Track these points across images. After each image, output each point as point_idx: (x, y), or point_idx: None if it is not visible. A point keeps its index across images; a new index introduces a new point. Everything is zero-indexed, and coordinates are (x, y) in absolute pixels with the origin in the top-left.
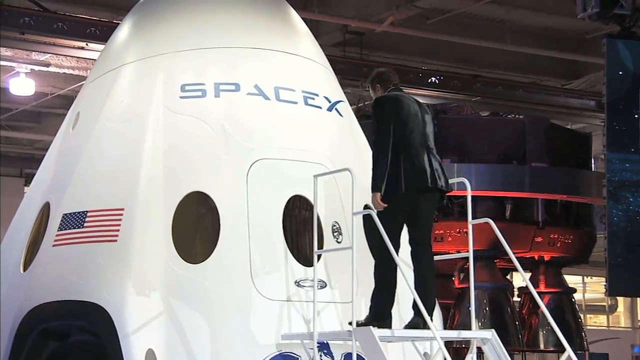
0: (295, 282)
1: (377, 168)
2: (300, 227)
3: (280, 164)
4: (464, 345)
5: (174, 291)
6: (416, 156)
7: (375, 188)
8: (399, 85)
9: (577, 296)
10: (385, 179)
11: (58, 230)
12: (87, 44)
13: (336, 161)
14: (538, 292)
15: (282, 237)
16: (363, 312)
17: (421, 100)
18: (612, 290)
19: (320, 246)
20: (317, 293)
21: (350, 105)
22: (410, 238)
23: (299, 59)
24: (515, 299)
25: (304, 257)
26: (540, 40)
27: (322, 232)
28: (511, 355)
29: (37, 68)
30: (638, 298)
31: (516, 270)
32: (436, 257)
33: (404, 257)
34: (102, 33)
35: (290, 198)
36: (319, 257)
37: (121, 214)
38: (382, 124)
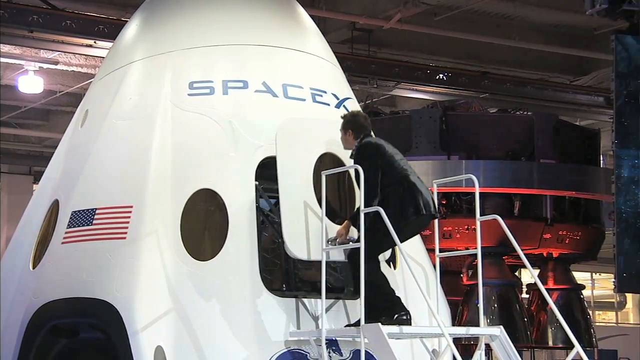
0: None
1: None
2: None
3: None
4: (472, 342)
5: (183, 288)
6: (413, 185)
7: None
8: (370, 131)
9: (586, 293)
10: (390, 206)
11: (67, 228)
12: (95, 42)
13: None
14: (546, 289)
15: None
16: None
17: (429, 97)
18: (621, 287)
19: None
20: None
21: (358, 102)
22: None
23: (307, 56)
24: (524, 295)
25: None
26: (548, 37)
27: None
28: (520, 352)
29: (45, 66)
30: None
31: (524, 266)
32: (444, 254)
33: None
34: (111, 31)
35: None
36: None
37: (130, 211)
38: (368, 175)
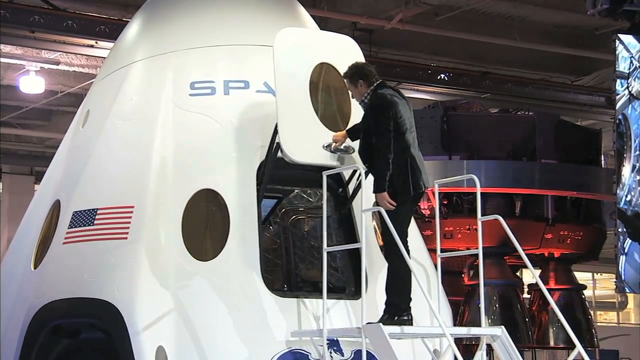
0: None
1: (380, 170)
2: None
3: None
4: (473, 342)
5: (184, 288)
6: (414, 159)
7: (381, 188)
8: (378, 77)
9: (587, 293)
10: (393, 180)
11: (68, 228)
12: (96, 42)
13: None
14: (548, 289)
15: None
16: (372, 309)
17: (430, 97)
18: (622, 287)
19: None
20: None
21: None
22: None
23: None
24: (525, 295)
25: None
26: (549, 37)
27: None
28: (521, 352)
29: (47, 66)
30: None
31: (526, 267)
32: (446, 254)
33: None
34: (112, 31)
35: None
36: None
37: (131, 212)
38: (381, 127)
